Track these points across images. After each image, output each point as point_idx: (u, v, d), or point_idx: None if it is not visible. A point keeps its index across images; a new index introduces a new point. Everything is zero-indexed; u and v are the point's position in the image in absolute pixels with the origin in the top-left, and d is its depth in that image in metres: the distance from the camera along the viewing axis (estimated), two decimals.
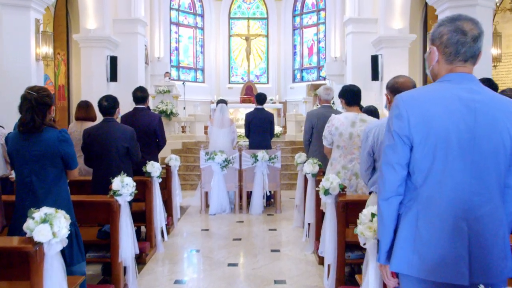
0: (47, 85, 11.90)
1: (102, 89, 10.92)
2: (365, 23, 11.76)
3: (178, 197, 6.29)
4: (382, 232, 1.79)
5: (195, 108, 11.69)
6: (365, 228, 2.27)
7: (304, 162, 5.83)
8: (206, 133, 10.01)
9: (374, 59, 11.13)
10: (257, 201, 6.96)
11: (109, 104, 4.34)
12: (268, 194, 7.18)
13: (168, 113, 10.51)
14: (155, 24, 15.93)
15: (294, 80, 18.54)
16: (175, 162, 6.11)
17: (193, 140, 11.13)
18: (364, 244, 2.32)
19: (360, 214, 2.37)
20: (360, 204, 3.61)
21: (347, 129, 4.06)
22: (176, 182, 6.21)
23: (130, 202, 3.96)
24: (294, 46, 18.64)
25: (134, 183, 3.76)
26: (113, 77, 11.10)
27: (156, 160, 5.42)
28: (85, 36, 10.92)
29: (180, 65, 17.93)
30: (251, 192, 7.09)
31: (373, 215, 2.27)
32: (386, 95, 2.90)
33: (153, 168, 4.89)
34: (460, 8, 7.60)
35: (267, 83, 18.58)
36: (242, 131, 12.80)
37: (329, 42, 16.42)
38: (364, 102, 10.14)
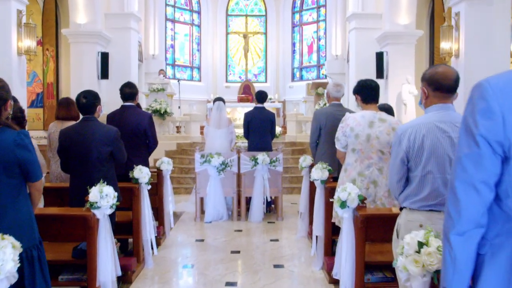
0: (35, 83, 11.33)
1: (93, 87, 10.28)
2: (369, 19, 11.22)
3: (171, 204, 5.72)
4: (452, 279, 1.24)
5: (190, 108, 11.12)
6: (410, 262, 1.72)
7: (310, 166, 5.31)
8: (202, 133, 9.45)
9: (379, 56, 10.59)
10: (257, 208, 6.40)
11: (88, 101, 3.77)
12: (269, 200, 6.62)
13: (162, 112, 9.94)
14: (149, 20, 15.36)
15: (293, 79, 18.01)
16: (167, 166, 5.54)
17: (188, 141, 10.56)
18: (407, 281, 1.76)
19: (400, 242, 1.82)
20: (383, 219, 3.06)
21: (364, 130, 3.51)
22: (168, 188, 5.64)
23: (113, 213, 3.40)
24: (294, 44, 18.11)
25: (116, 193, 3.18)
26: (104, 74, 10.52)
27: (146, 164, 4.87)
28: (75, 31, 10.33)
29: (176, 63, 17.36)
30: (250, 198, 6.54)
31: (420, 244, 1.71)
32: (422, 89, 2.35)
33: (141, 173, 4.33)
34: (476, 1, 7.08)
35: (266, 82, 18.03)
36: (240, 131, 12.33)
37: (330, 39, 15.90)
38: None
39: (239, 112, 14.12)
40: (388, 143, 3.44)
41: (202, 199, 6.68)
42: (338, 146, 3.71)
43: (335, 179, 4.22)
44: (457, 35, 7.59)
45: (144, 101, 11.39)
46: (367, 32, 11.14)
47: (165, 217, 5.51)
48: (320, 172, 4.31)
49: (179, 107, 11.70)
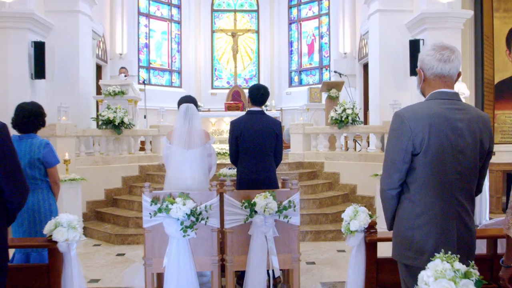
0: None
1: (23, 90, 7.48)
2: None
3: None
4: None
5: (160, 118, 8.24)
6: None
7: (368, 229, 2.52)
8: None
9: (414, 46, 7.87)
10: None
11: None
12: (276, 276, 3.73)
13: (117, 123, 7.05)
14: (116, 12, 12.58)
15: (291, 84, 15.33)
16: (67, 233, 2.66)
17: (156, 163, 7.68)
18: None
19: None
20: None
21: None
22: (74, 273, 2.75)
23: None
24: (291, 43, 15.46)
25: None
26: (39, 72, 7.63)
27: None
28: None
29: (151, 65, 14.54)
30: (243, 272, 3.68)
31: None
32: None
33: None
34: None
35: None
36: (220, 147, 9.47)
37: (336, 36, 13.24)
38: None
39: (226, 123, 11.30)
40: None
41: (158, 276, 3.82)
42: None
43: None
44: None
45: (94, 109, 8.51)
46: (395, 15, 8.44)
47: None
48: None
49: (144, 117, 8.84)
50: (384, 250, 2.79)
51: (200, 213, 3.48)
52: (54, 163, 3.64)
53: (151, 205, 3.47)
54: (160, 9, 14.86)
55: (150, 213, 3.46)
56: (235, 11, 15.69)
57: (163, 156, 4.21)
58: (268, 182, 3.91)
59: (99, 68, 11.71)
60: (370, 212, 2.76)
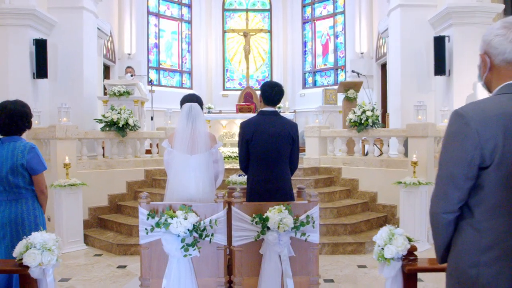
0: None
1: (25, 90, 7.13)
2: None
3: None
4: None
5: (168, 119, 7.82)
6: None
7: (407, 255, 2.01)
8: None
9: (439, 43, 7.32)
10: None
11: None
12: None
13: (121, 125, 6.64)
14: (124, 11, 12.25)
15: (304, 86, 14.83)
16: (41, 258, 2.20)
17: (163, 167, 7.21)
18: None
19: None
20: None
21: None
22: None
23: None
24: (305, 44, 14.97)
25: None
26: (41, 71, 7.28)
27: None
28: None
29: (161, 66, 14.17)
30: None
31: None
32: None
33: None
34: None
35: None
36: (231, 151, 8.99)
37: (352, 35, 12.72)
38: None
39: (238, 126, 10.86)
40: None
41: None
42: None
43: None
44: None
45: (101, 109, 8.12)
46: (418, 10, 7.91)
47: None
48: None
49: (151, 119, 8.42)
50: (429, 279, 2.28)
51: (204, 229, 3.02)
52: (40, 170, 3.21)
53: (148, 218, 3.01)
54: (170, 8, 14.51)
55: (146, 228, 3.00)
56: (247, 10, 15.27)
57: (164, 162, 3.75)
58: (283, 193, 3.42)
59: (107, 69, 11.38)
60: (408, 235, 2.25)
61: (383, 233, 2.25)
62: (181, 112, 3.63)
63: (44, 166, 3.24)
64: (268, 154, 3.44)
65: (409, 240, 2.22)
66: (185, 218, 2.96)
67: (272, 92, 3.54)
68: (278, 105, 3.66)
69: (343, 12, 13.82)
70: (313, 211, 3.11)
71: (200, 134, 3.56)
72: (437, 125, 6.52)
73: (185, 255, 2.94)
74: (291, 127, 3.55)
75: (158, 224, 2.98)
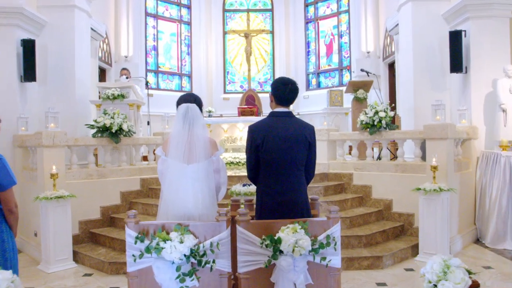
0: None
1: (12, 94, 6.65)
2: None
3: None
4: None
5: (165, 124, 7.32)
6: None
7: None
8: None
9: (455, 38, 6.82)
10: None
11: None
12: None
13: (114, 130, 6.14)
14: (121, 12, 11.79)
15: (308, 88, 14.34)
16: None
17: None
18: None
19: None
20: None
21: None
22: None
23: None
24: (308, 44, 14.50)
25: None
26: (29, 74, 6.79)
27: None
28: None
29: (160, 69, 13.69)
30: None
31: None
32: None
33: None
34: None
35: None
36: (233, 156, 8.44)
37: (358, 33, 12.22)
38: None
39: (240, 130, 10.35)
40: None
41: None
42: None
43: None
44: None
45: (95, 113, 7.63)
46: (430, 4, 7.41)
47: None
48: None
49: (148, 123, 7.93)
50: None
51: (204, 254, 2.51)
52: (8, 185, 2.71)
53: (135, 242, 2.51)
54: (169, 10, 14.06)
55: (134, 255, 2.49)
56: (248, 10, 14.81)
57: (157, 173, 3.25)
58: (299, 207, 2.90)
59: (103, 72, 10.90)
60: (466, 266, 1.74)
61: (434, 265, 1.74)
62: (176, 114, 3.14)
63: (13, 180, 2.74)
64: (282, 162, 2.92)
65: (469, 273, 1.71)
66: (181, 242, 2.45)
67: (286, 89, 3.01)
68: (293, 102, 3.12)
69: (347, 11, 13.35)
70: (333, 229, 2.60)
71: (199, 139, 3.05)
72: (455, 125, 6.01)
73: (181, 284, 2.43)
74: (308, 129, 3.04)
75: (148, 249, 2.47)
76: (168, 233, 2.52)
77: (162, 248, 2.44)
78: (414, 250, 5.46)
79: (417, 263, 5.23)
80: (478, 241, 6.30)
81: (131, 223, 2.58)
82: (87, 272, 5.18)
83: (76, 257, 5.49)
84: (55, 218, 5.24)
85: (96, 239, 5.89)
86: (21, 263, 5.55)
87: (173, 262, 2.44)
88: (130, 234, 2.56)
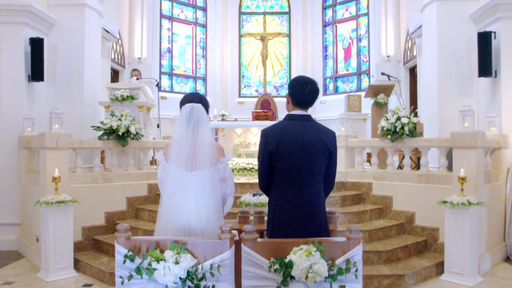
0: None
1: (19, 94, 6.46)
2: None
3: None
4: None
5: (175, 127, 7.02)
6: None
7: None
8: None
9: (484, 39, 6.38)
10: None
11: None
12: None
13: (121, 133, 5.87)
14: (136, 13, 11.62)
15: (325, 92, 13.95)
16: None
17: None
18: None
19: None
20: None
21: None
22: None
23: None
24: (325, 48, 14.13)
25: None
26: (37, 74, 6.59)
27: None
28: None
29: (174, 72, 13.48)
30: None
31: None
32: None
33: None
34: None
35: None
36: (247, 162, 8.10)
37: (378, 37, 11.82)
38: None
39: (254, 135, 10.02)
40: None
41: None
42: None
43: None
44: None
45: (103, 115, 7.38)
46: (456, 4, 6.98)
47: None
48: None
49: (158, 126, 7.65)
50: None
51: (203, 277, 2.17)
52: None
53: (124, 261, 2.18)
54: (184, 12, 13.87)
55: (121, 276, 2.17)
56: (264, 13, 14.54)
57: (158, 180, 2.93)
58: (316, 223, 2.54)
59: (116, 74, 10.72)
60: None
61: None
62: (179, 114, 2.83)
63: None
64: (298, 170, 2.56)
65: None
66: (176, 262, 2.12)
67: (305, 90, 2.65)
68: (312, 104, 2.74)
69: (366, 14, 12.95)
70: (354, 252, 2.23)
71: (204, 144, 2.74)
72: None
73: None
74: (328, 135, 2.67)
75: (138, 270, 2.14)
76: (162, 252, 2.19)
77: (155, 269, 2.11)
78: (439, 268, 5.02)
79: (443, 283, 4.79)
80: (508, 259, 5.82)
81: (121, 238, 2.26)
82: (87, 282, 4.89)
83: (78, 265, 5.21)
84: (56, 224, 4.97)
85: (100, 246, 5.61)
86: (20, 270, 5.31)
87: (166, 286, 2.11)
88: (119, 251, 2.24)
